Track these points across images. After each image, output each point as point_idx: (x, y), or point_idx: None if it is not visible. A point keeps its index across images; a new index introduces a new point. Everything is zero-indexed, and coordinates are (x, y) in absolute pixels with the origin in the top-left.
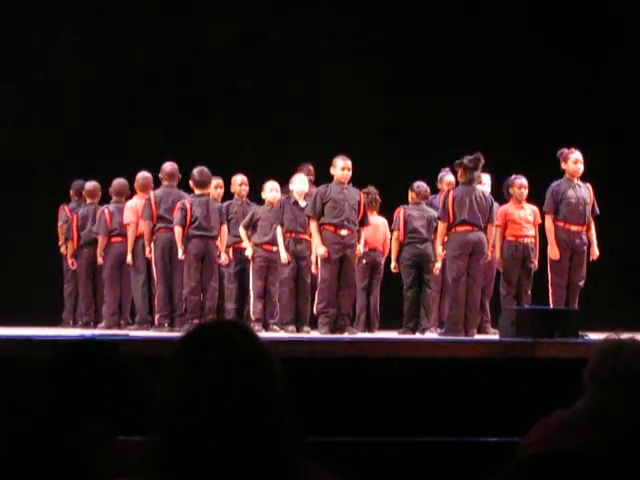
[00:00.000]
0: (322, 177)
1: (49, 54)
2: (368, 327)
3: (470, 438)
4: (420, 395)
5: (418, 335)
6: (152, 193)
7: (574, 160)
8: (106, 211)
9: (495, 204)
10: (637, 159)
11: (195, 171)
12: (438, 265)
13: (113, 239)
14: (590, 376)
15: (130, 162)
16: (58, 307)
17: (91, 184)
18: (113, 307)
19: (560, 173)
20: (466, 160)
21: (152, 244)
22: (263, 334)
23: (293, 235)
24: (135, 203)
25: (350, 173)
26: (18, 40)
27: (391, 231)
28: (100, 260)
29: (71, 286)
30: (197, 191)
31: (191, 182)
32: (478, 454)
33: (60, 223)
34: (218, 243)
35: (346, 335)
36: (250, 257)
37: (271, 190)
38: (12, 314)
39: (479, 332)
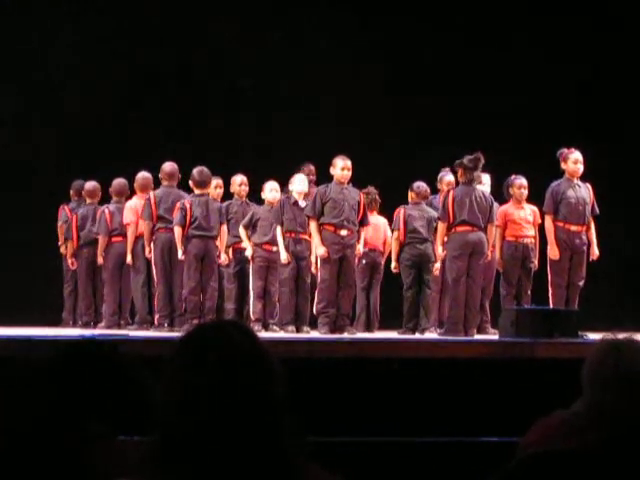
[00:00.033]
0: (322, 177)
1: (49, 54)
2: (368, 327)
3: (470, 438)
4: (420, 395)
5: (418, 335)
6: (152, 193)
7: (574, 160)
8: (106, 211)
9: (495, 204)
10: (637, 159)
11: (195, 171)
12: (437, 265)
13: (113, 239)
14: (590, 376)
15: (130, 162)
16: (58, 307)
17: (91, 184)
18: (113, 307)
19: (560, 173)
20: (466, 160)
21: (152, 244)
22: (263, 334)
23: (293, 235)
24: (135, 203)
25: (350, 173)
26: (18, 40)
27: (391, 231)
28: (100, 260)
29: (71, 286)
30: (197, 191)
31: (191, 182)
32: (478, 454)
33: (60, 223)
34: (218, 243)
35: (346, 335)
36: (250, 257)
37: (271, 190)
38: (12, 314)
39: (479, 332)
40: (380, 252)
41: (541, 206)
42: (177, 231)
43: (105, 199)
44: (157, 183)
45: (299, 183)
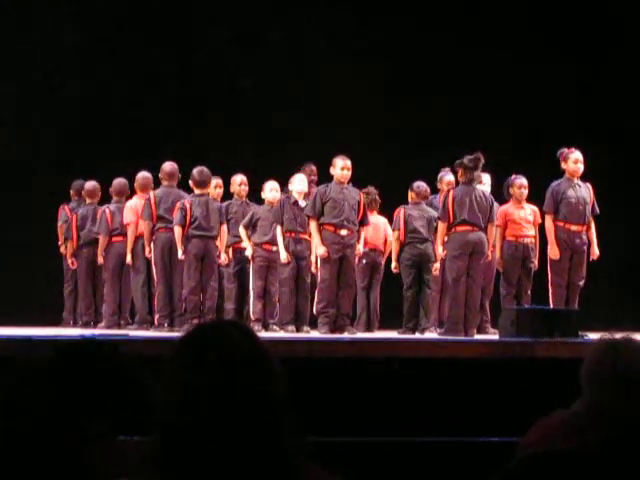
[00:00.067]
0: (322, 177)
1: (49, 54)
2: (368, 327)
3: (470, 438)
4: (420, 395)
5: (418, 335)
6: (152, 193)
7: (574, 160)
8: (107, 211)
9: (495, 204)
10: (637, 159)
11: (195, 171)
12: (437, 265)
13: (114, 239)
14: (589, 377)
15: (130, 162)
16: (58, 307)
17: (91, 184)
18: (113, 307)
19: (560, 173)
20: (466, 160)
21: (152, 244)
22: (263, 334)
23: (293, 235)
24: (135, 203)
25: (350, 173)
26: (18, 40)
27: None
28: (101, 260)
29: (71, 286)
30: (197, 191)
31: (191, 182)
32: (478, 454)
33: (60, 223)
34: (218, 243)
35: (346, 335)
36: (250, 257)
37: (271, 190)
38: (12, 314)
39: (479, 332)
40: (380, 252)
41: (541, 206)
42: (177, 231)
43: (105, 199)
44: (157, 183)
45: (299, 183)
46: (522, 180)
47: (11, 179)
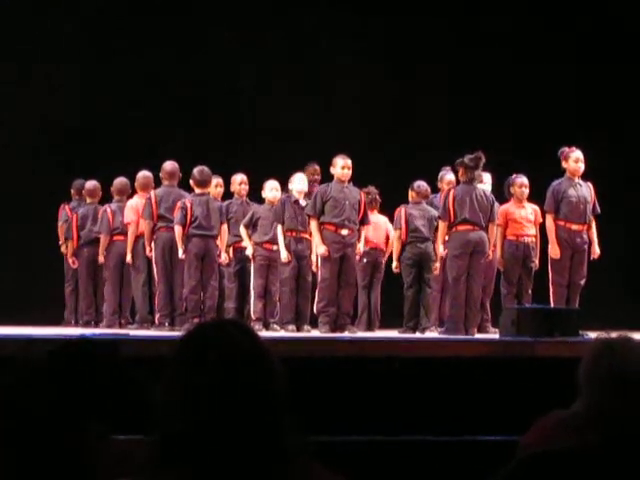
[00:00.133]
0: (322, 177)
1: (49, 54)
2: (369, 326)
3: (470, 437)
4: (420, 394)
5: (418, 334)
6: (153, 192)
7: (575, 159)
8: (108, 210)
9: (496, 203)
10: (637, 159)
11: (195, 170)
12: (437, 265)
13: (115, 238)
14: (586, 377)
15: (130, 161)
16: (59, 306)
17: (91, 183)
18: (114, 306)
19: (561, 172)
20: (467, 159)
21: (152, 243)
22: (263, 333)
23: (294, 234)
24: (136, 202)
25: (350, 172)
26: (18, 40)
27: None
28: (102, 259)
29: (72, 285)
30: (197, 190)
31: (191, 181)
32: (478, 453)
33: (60, 223)
34: (218, 242)
35: (346, 334)
36: (250, 256)
37: (271, 189)
38: (12, 314)
39: (479, 331)
40: (382, 251)
41: (542, 205)
42: (177, 230)
43: (106, 198)
44: (158, 182)
45: (299, 182)
46: (523, 179)
47: (11, 179)
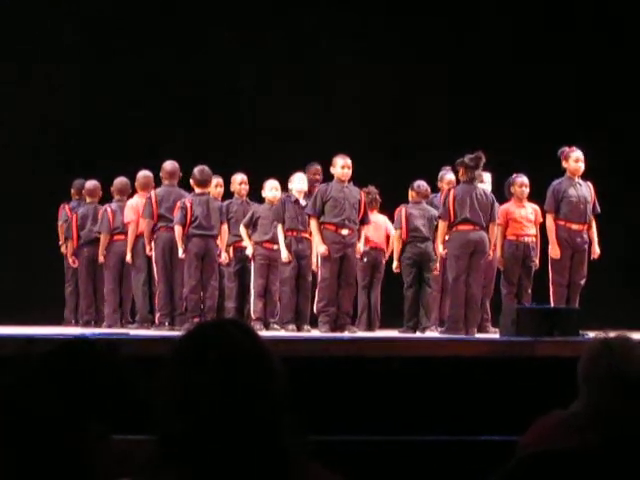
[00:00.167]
0: (322, 177)
1: (49, 54)
2: (369, 326)
3: (470, 437)
4: (420, 394)
5: (418, 334)
6: (153, 192)
7: (575, 159)
8: (109, 209)
9: (496, 203)
10: (637, 159)
11: (196, 170)
12: (437, 264)
13: (115, 237)
14: (585, 376)
15: (130, 161)
16: (59, 306)
17: (91, 183)
18: (114, 306)
19: (561, 172)
20: (467, 159)
21: (153, 243)
22: (263, 333)
23: (294, 234)
24: (136, 202)
25: (350, 171)
26: (18, 40)
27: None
28: (102, 259)
29: (72, 285)
30: (197, 190)
31: (192, 181)
32: (478, 453)
33: (60, 222)
34: (218, 242)
35: (346, 334)
36: (251, 256)
37: (271, 189)
38: (13, 313)
39: (479, 331)
40: (382, 250)
41: (542, 205)
42: (177, 230)
43: (106, 198)
44: (158, 182)
45: (299, 182)
46: (523, 179)
47: (11, 179)
